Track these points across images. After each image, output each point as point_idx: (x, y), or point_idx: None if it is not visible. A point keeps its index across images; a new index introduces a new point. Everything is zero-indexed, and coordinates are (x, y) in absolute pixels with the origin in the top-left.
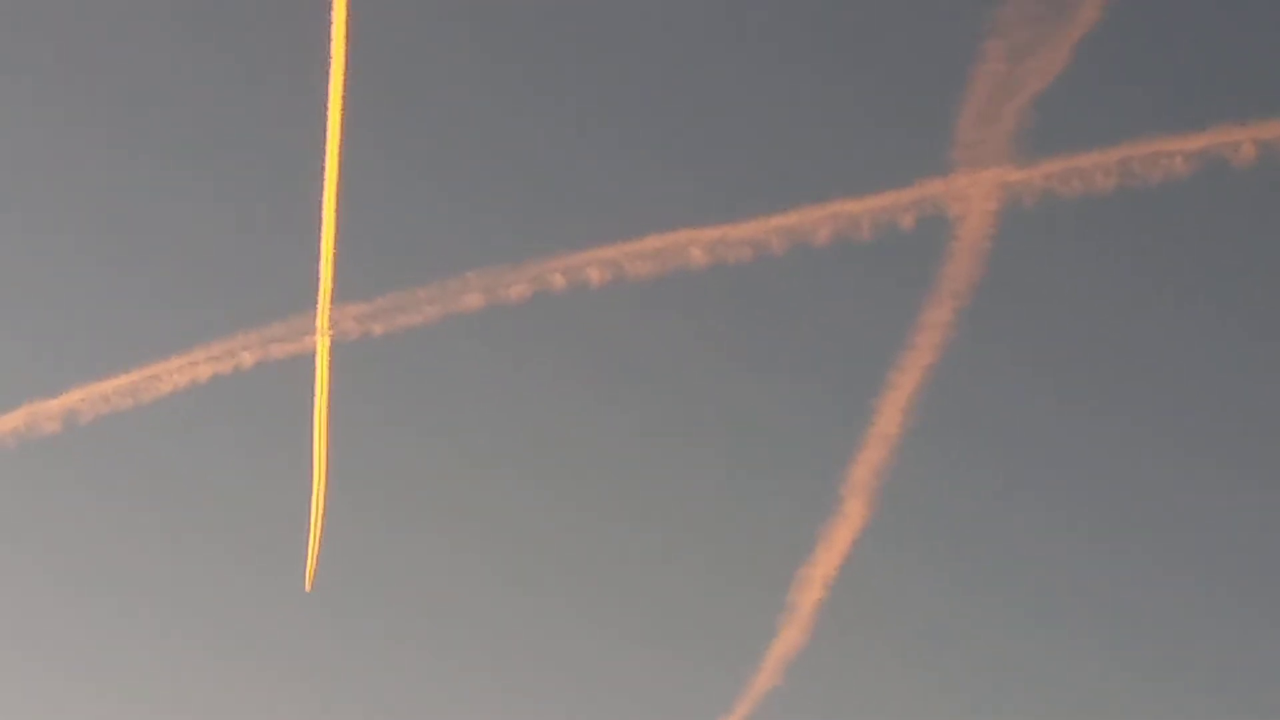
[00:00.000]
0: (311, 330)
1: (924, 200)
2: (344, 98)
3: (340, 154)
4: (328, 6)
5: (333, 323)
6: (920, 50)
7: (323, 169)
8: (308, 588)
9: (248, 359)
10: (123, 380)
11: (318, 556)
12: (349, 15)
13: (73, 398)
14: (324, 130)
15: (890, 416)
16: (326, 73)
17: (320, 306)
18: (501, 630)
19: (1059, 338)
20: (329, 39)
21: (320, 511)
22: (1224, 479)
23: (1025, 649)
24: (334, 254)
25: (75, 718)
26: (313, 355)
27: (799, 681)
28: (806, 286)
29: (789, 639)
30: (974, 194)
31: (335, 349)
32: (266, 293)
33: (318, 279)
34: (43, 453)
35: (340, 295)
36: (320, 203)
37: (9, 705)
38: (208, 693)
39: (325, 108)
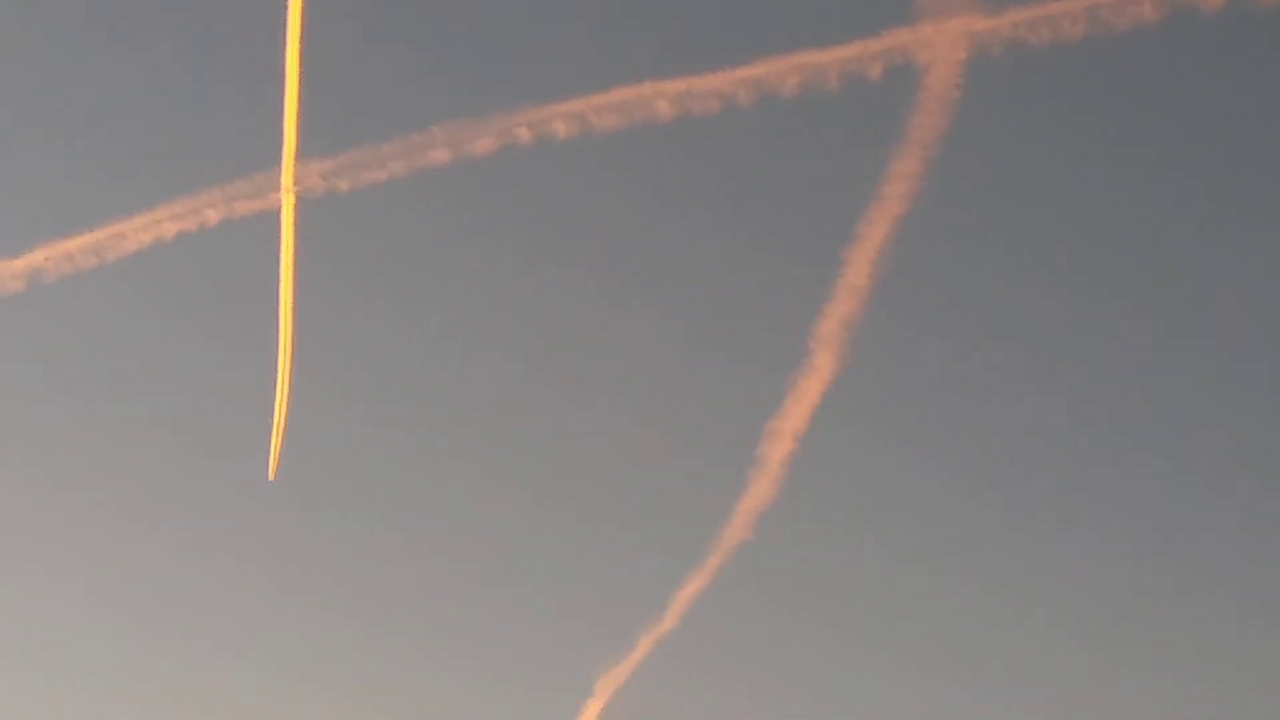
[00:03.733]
0: (276, 187)
1: (891, 50)
2: None
3: (303, 8)
4: None
5: (298, 179)
6: None
7: (286, 23)
8: (271, 475)
9: (212, 216)
10: (87, 239)
11: (284, 429)
12: None
13: (37, 257)
14: None
15: (859, 269)
16: None
17: (285, 163)
18: (469, 498)
19: (1027, 187)
20: None
21: (287, 376)
22: (1186, 329)
23: (992, 498)
24: (298, 110)
25: (19, 593)
26: (278, 212)
27: (769, 535)
28: (774, 138)
29: (759, 493)
30: (941, 43)
31: (300, 205)
32: (231, 150)
33: (282, 135)
34: (6, 312)
35: (305, 151)
36: (284, 58)
37: None
38: (164, 566)
39: None
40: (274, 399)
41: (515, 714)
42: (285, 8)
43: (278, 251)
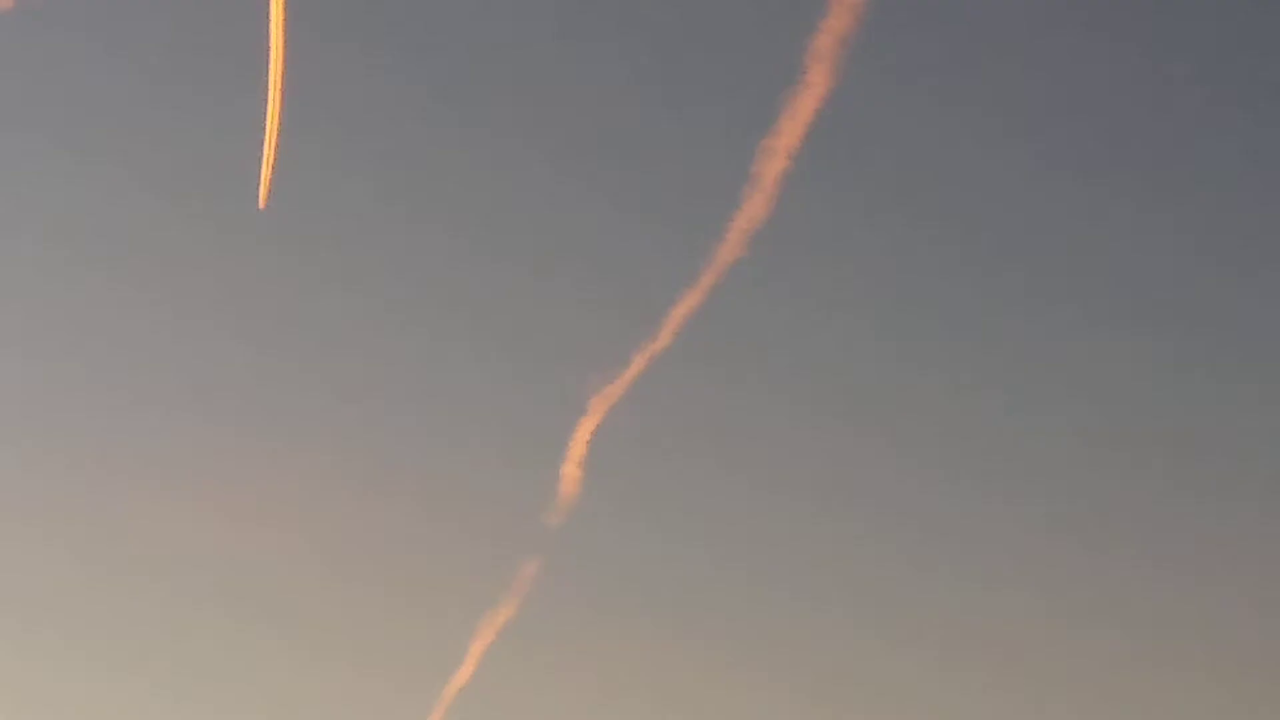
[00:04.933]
0: None
1: None
2: None
3: None
4: None
5: None
6: None
7: None
8: (261, 204)
9: None
10: None
11: (274, 158)
12: None
13: None
14: None
15: None
16: None
17: None
18: (462, 220)
19: None
20: None
21: (277, 102)
22: None
23: (985, 204)
24: None
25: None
26: None
27: (762, 252)
28: None
29: (753, 210)
30: None
31: None
32: None
33: None
34: None
35: None
36: None
37: None
38: (154, 289)
39: None
40: (264, 126)
41: (509, 432)
42: None
43: None
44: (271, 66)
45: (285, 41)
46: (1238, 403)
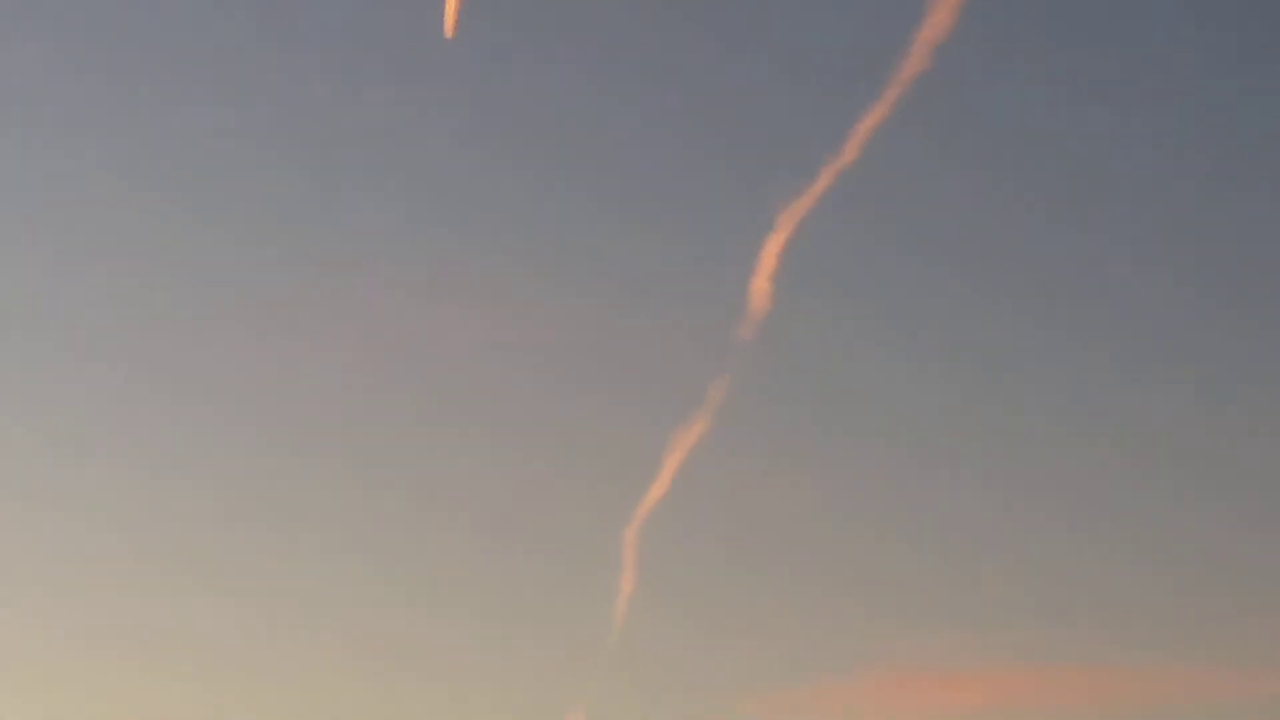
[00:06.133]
0: None
1: None
2: None
3: None
4: None
5: None
6: None
7: None
8: (449, 32)
9: None
10: None
11: None
12: None
13: None
14: None
15: None
16: None
17: None
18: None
19: None
20: None
21: None
22: None
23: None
24: None
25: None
26: None
27: (946, 66)
28: None
29: (937, 23)
30: None
31: None
32: None
33: None
34: None
35: None
36: None
37: None
38: (346, 116)
39: None
40: None
41: (699, 249)
42: None
43: None
44: None
45: None
46: None
